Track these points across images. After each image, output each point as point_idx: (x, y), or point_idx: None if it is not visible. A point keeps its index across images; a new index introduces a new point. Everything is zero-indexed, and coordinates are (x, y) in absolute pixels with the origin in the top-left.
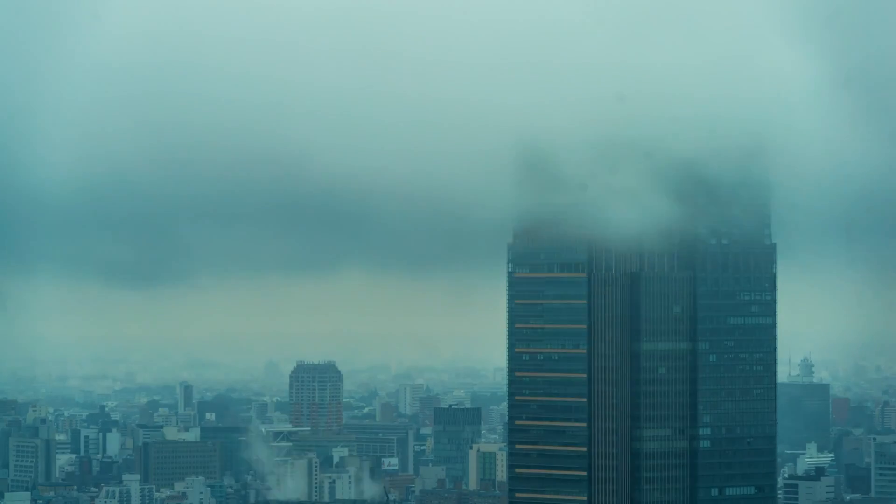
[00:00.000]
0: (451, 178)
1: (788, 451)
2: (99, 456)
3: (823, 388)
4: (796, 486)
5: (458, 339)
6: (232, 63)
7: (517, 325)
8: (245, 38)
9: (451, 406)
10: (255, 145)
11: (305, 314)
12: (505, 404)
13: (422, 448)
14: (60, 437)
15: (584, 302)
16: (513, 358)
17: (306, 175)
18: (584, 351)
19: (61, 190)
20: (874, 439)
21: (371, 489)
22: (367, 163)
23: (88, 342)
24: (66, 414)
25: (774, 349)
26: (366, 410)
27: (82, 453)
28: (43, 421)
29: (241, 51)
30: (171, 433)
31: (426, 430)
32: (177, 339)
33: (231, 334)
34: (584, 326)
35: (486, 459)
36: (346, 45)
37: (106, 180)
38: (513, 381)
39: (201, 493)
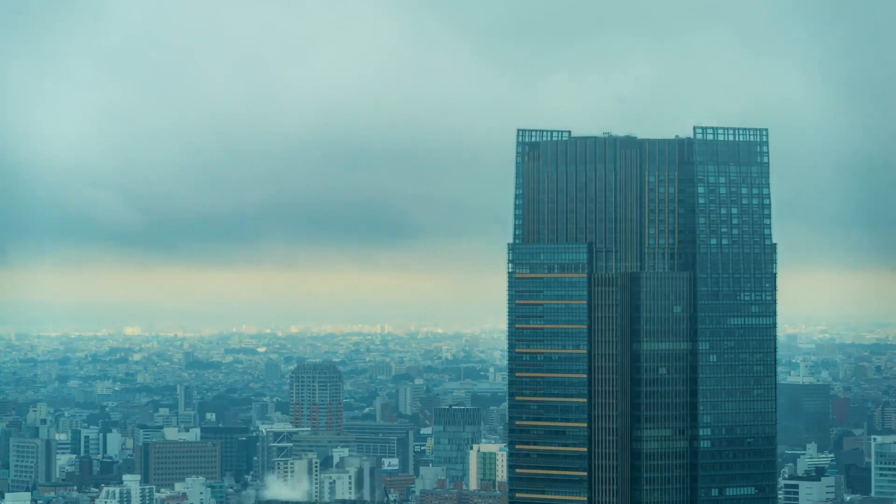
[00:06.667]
0: None
1: (789, 452)
2: (99, 456)
3: (823, 388)
4: (796, 486)
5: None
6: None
7: (517, 326)
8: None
9: (451, 406)
10: None
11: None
12: (505, 404)
13: (422, 448)
14: (61, 437)
15: (584, 302)
16: (513, 358)
17: None
18: (585, 351)
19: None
20: (874, 439)
21: (371, 489)
22: None
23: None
24: (66, 414)
25: (774, 349)
26: (366, 410)
27: (82, 453)
28: (43, 421)
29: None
30: (172, 433)
31: (426, 430)
32: None
33: None
34: (584, 327)
35: (487, 460)
36: None
37: None
38: (513, 382)
39: (201, 493)
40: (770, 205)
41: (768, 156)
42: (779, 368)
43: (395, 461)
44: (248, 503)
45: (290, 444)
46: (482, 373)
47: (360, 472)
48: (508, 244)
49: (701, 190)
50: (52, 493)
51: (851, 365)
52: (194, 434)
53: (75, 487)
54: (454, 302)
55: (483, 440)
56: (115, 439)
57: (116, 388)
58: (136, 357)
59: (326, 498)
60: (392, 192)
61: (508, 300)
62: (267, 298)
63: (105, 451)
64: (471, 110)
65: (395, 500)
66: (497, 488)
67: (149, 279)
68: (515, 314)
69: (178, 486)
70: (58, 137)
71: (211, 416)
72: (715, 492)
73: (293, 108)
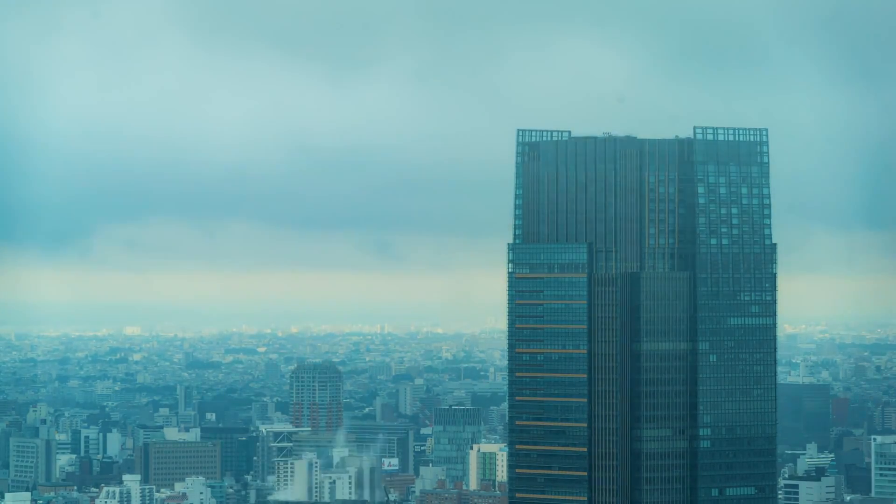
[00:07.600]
0: None
1: (789, 452)
2: (99, 456)
3: (823, 388)
4: (796, 486)
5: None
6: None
7: (517, 326)
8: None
9: (451, 406)
10: None
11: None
12: (505, 404)
13: (422, 448)
14: (61, 437)
15: (584, 302)
16: (513, 358)
17: None
18: (585, 351)
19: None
20: (874, 439)
21: (371, 489)
22: None
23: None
24: (66, 414)
25: (774, 349)
26: (366, 410)
27: (82, 453)
28: (43, 421)
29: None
30: (172, 433)
31: (426, 430)
32: None
33: None
34: (584, 327)
35: (487, 460)
36: None
37: None
38: (513, 382)
39: (201, 493)
40: (770, 205)
41: (768, 156)
42: (779, 368)
43: (395, 461)
44: (248, 503)
45: (290, 444)
46: (482, 373)
47: (360, 472)
48: (508, 244)
49: (701, 190)
50: (52, 493)
51: (851, 365)
52: (194, 434)
53: (75, 487)
54: (454, 302)
55: (483, 440)
56: (115, 439)
57: (116, 388)
58: (136, 357)
59: (326, 498)
60: (392, 192)
61: (508, 300)
62: (267, 298)
63: (105, 451)
64: (471, 110)
65: (395, 500)
66: (497, 488)
67: (148, 279)
68: (515, 314)
69: (178, 486)
70: (59, 135)
71: (211, 416)
72: (715, 492)
73: (291, 107)
